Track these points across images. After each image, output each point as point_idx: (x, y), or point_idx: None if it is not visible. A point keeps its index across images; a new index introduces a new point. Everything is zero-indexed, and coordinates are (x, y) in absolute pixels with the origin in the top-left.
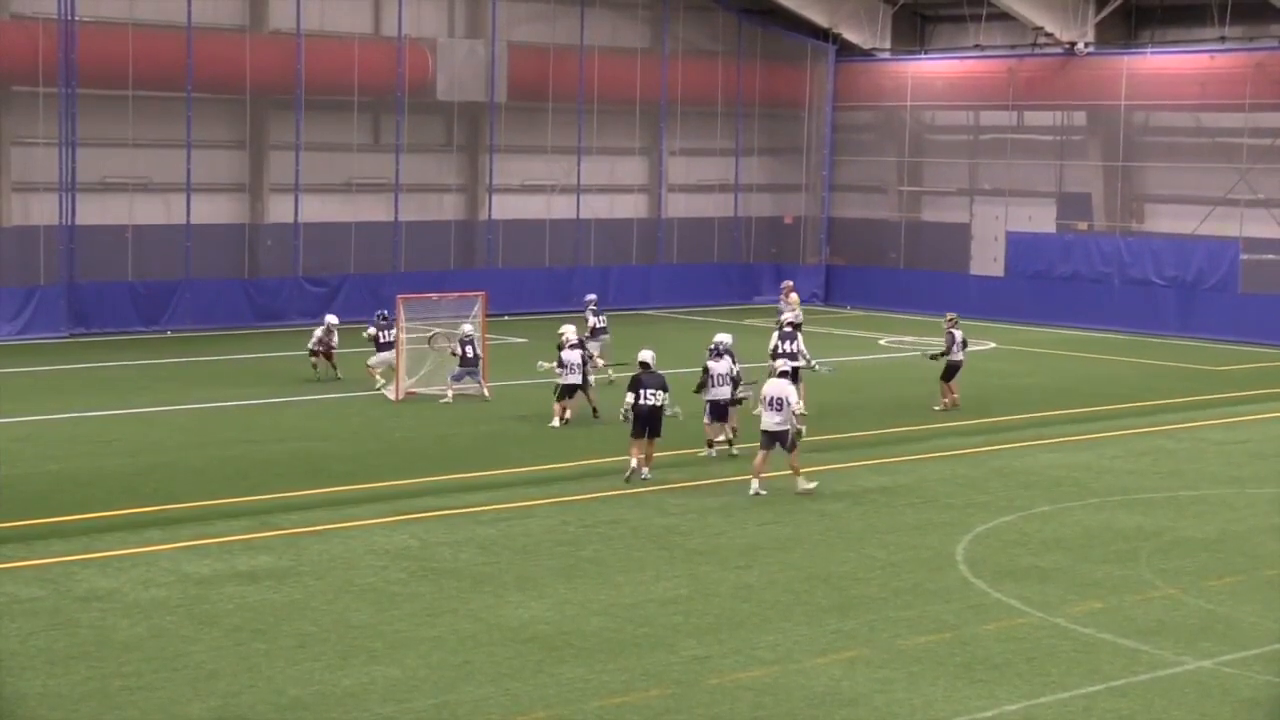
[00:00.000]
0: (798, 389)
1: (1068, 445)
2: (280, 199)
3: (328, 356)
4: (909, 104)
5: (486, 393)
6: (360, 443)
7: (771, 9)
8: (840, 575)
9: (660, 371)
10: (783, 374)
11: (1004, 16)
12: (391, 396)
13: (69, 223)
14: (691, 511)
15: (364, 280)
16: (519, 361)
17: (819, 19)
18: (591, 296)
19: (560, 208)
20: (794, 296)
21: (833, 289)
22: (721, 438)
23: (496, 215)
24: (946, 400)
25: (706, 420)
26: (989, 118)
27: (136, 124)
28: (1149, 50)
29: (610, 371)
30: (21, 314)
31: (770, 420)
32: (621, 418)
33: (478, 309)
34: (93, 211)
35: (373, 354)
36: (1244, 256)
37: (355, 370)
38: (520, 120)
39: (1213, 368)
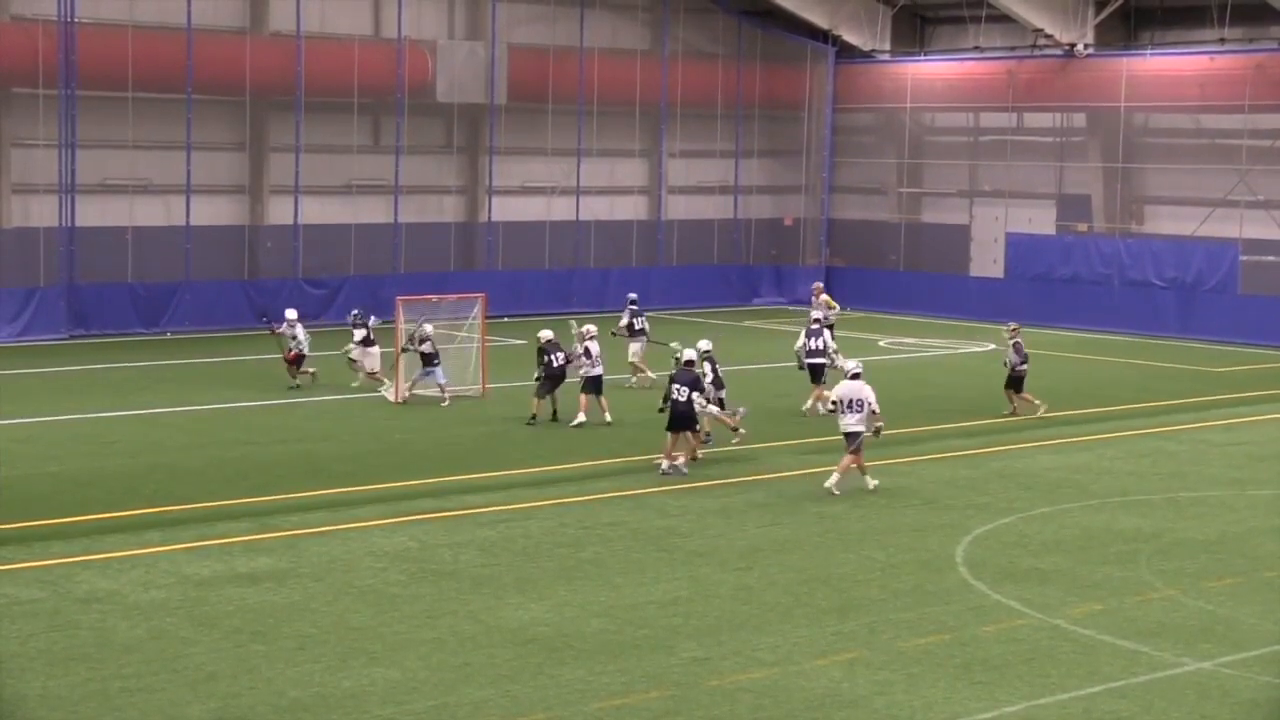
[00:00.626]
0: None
1: (1068, 447)
2: (280, 200)
3: (297, 362)
4: (909, 106)
5: (446, 397)
6: (360, 444)
7: (771, 11)
8: (840, 577)
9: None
10: (854, 375)
11: (1004, 18)
12: (392, 398)
13: (69, 224)
14: (691, 513)
15: (364, 282)
16: (519, 363)
17: (819, 21)
18: (632, 296)
19: (560, 209)
20: (824, 296)
21: (832, 290)
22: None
23: (496, 217)
24: (1017, 406)
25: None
26: (989, 119)
27: (136, 126)
28: (1149, 52)
29: (652, 375)
30: (21, 315)
31: (849, 421)
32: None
33: (477, 311)
34: (93, 213)
35: (364, 353)
36: (1243, 258)
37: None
38: (520, 122)
39: (1212, 369)
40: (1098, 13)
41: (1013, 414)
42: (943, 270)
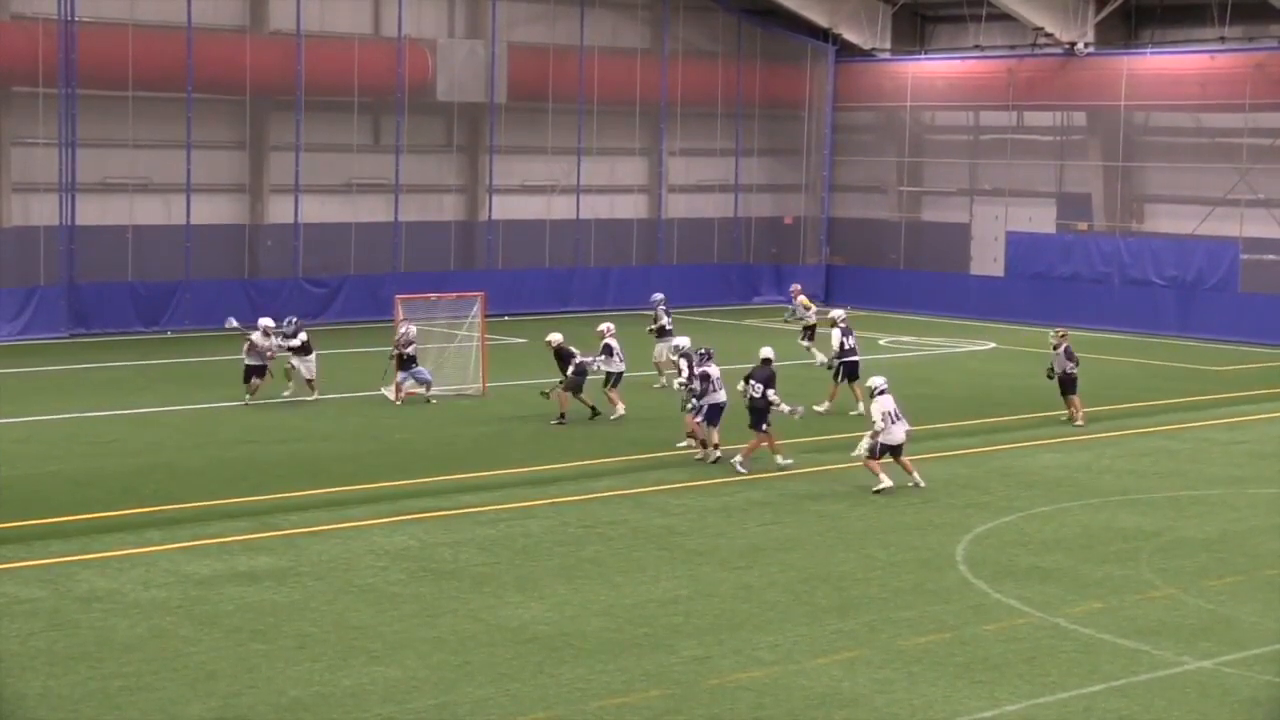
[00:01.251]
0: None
1: (1068, 445)
2: (280, 199)
3: (260, 374)
4: (909, 104)
5: (431, 395)
6: (360, 443)
7: (771, 9)
8: (840, 576)
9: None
10: (884, 391)
11: (1004, 17)
12: (392, 397)
13: (69, 223)
14: (692, 512)
15: (364, 281)
16: (519, 363)
17: (819, 19)
18: (659, 296)
19: (560, 208)
20: (802, 298)
21: (833, 289)
22: (716, 440)
23: (496, 216)
24: (1074, 411)
25: (700, 421)
26: (989, 118)
27: (137, 125)
28: (1149, 50)
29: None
30: (22, 314)
31: (899, 433)
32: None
33: (477, 310)
34: (93, 212)
35: (301, 361)
36: (1244, 256)
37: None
38: (520, 121)
39: (1213, 368)
40: (1098, 11)
41: (1071, 419)
42: (943, 269)
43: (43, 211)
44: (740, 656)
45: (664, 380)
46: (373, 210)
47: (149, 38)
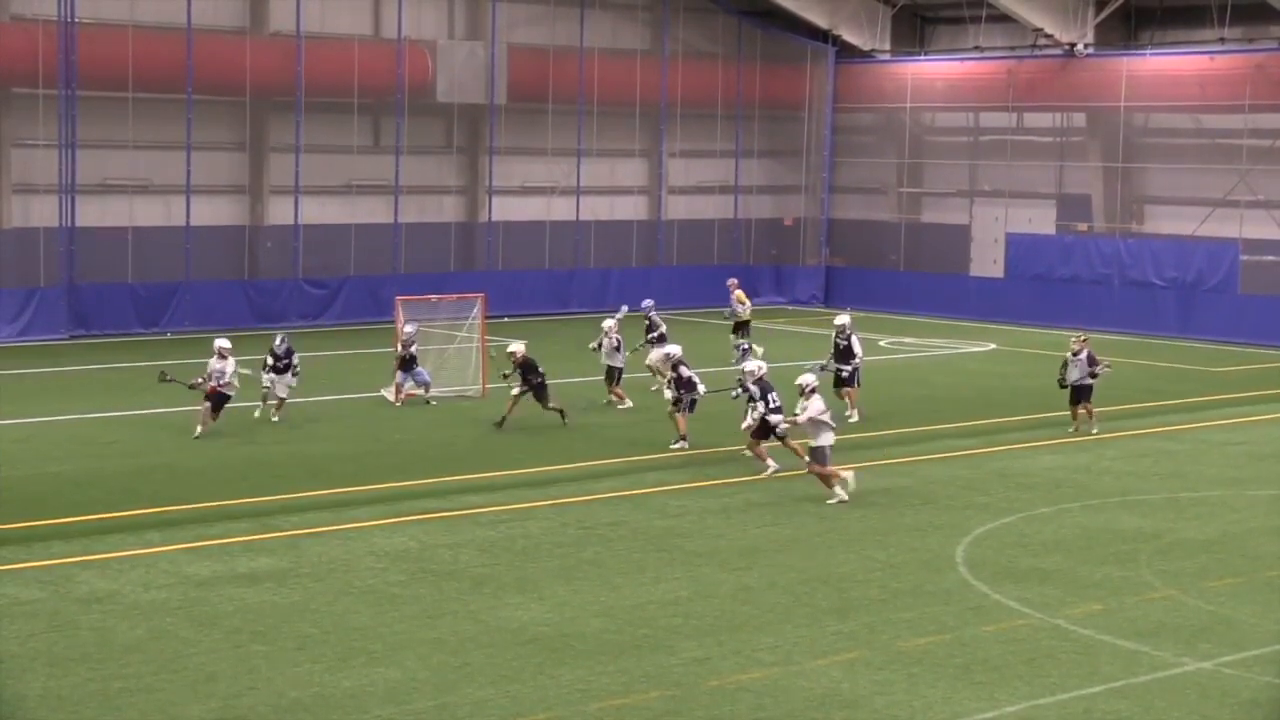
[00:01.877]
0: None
1: (1067, 447)
2: (280, 201)
3: (219, 403)
4: (909, 105)
5: (431, 397)
6: (360, 444)
7: (771, 10)
8: (840, 577)
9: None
10: (814, 390)
11: (1004, 18)
12: (392, 398)
13: (69, 224)
14: (691, 513)
15: (364, 282)
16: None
17: (819, 20)
18: (649, 302)
19: (560, 210)
20: (739, 292)
21: (832, 290)
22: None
23: (496, 217)
24: (1083, 418)
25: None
26: (989, 119)
27: (137, 126)
28: (1148, 51)
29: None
30: (22, 315)
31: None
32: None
33: (477, 311)
34: (93, 213)
35: (276, 380)
36: (1244, 258)
37: (336, 374)
38: (520, 122)
39: (1212, 369)
40: (1098, 12)
41: (1075, 429)
42: (943, 270)
43: (43, 213)
44: (740, 658)
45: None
46: (373, 211)
47: (149, 39)
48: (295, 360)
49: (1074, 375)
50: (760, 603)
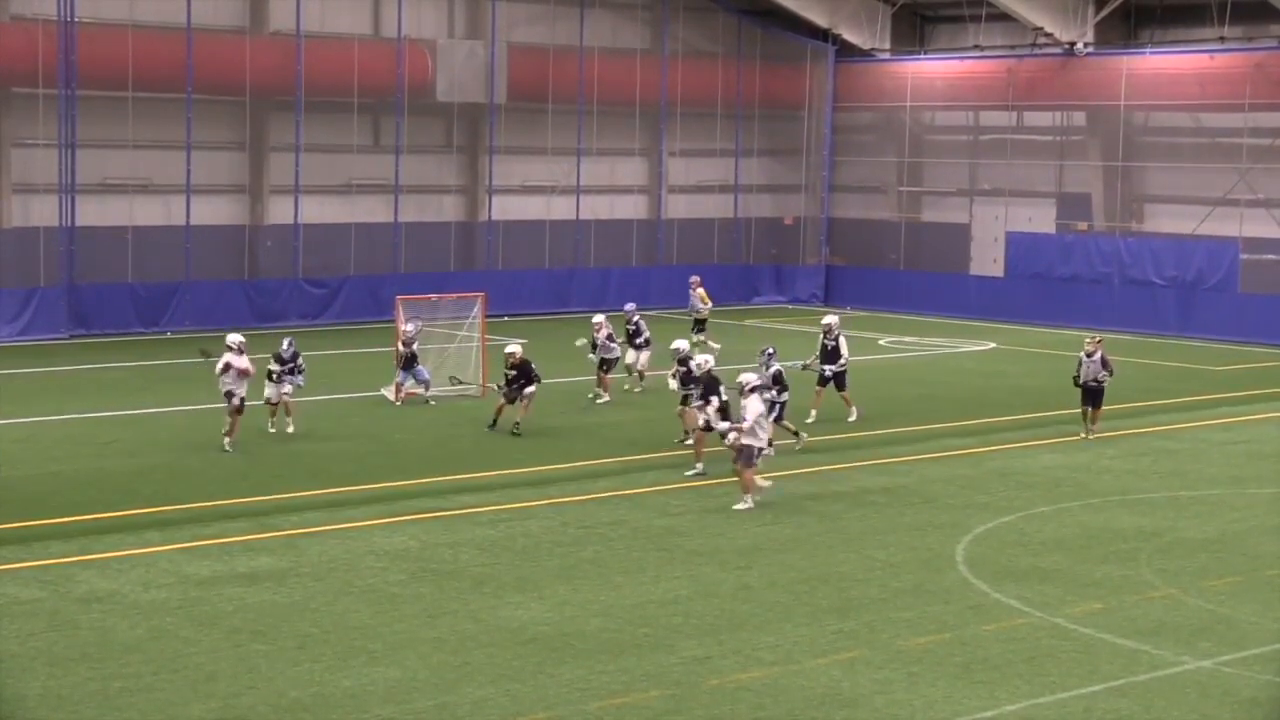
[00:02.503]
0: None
1: (1067, 446)
2: (280, 200)
3: (239, 409)
4: (908, 104)
5: (430, 396)
6: (360, 444)
7: (771, 9)
8: (840, 576)
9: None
10: (755, 388)
11: (1003, 17)
12: (392, 398)
13: (69, 224)
14: (691, 512)
15: (364, 281)
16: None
17: (819, 19)
18: (632, 305)
19: (560, 209)
20: (700, 290)
21: (832, 290)
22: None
23: (496, 216)
24: (1091, 425)
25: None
26: (988, 118)
27: (136, 125)
28: (1148, 50)
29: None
30: (22, 315)
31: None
32: None
33: (477, 310)
34: (93, 213)
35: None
36: (1243, 256)
37: (334, 374)
38: (520, 121)
39: (1212, 368)
40: (1097, 11)
41: (1088, 435)
42: (943, 269)
43: (43, 212)
44: (740, 657)
45: (642, 385)
46: (372, 211)
47: (149, 38)
48: (301, 362)
49: (1085, 375)
50: (760, 602)
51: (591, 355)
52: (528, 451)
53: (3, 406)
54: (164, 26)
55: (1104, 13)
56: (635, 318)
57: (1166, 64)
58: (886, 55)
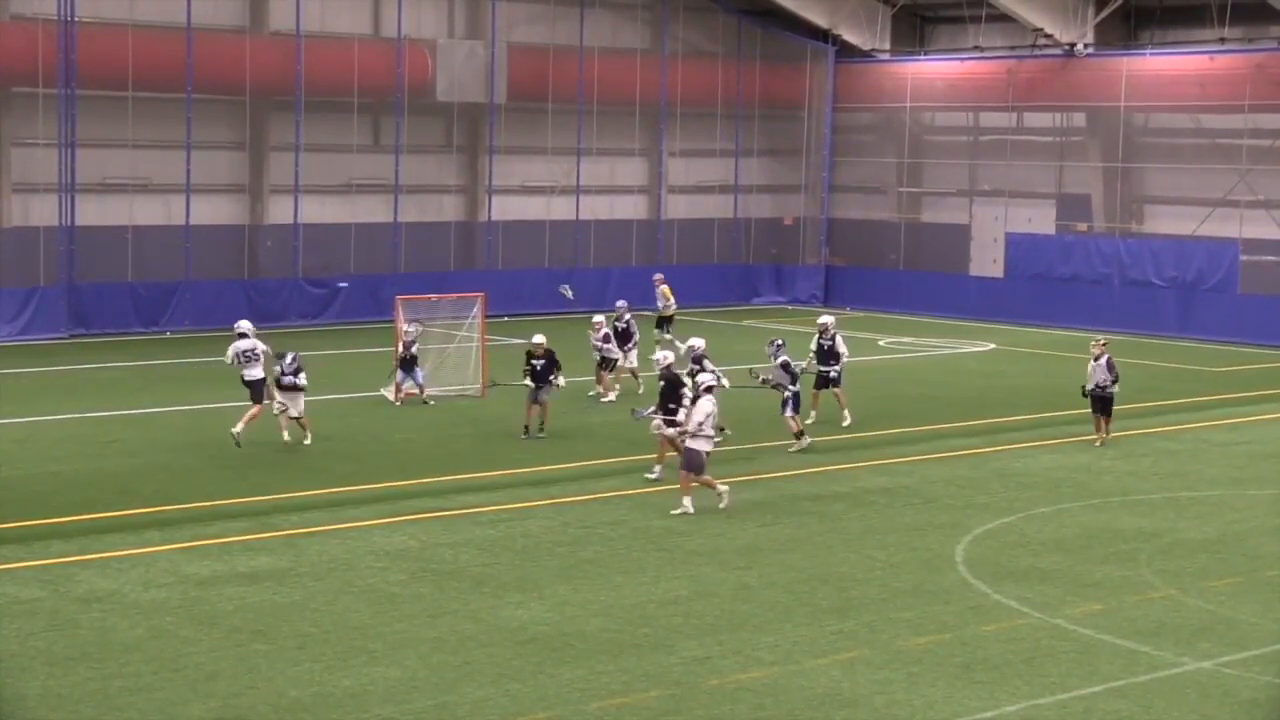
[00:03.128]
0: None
1: (1068, 446)
2: (280, 200)
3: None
4: (908, 105)
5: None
6: (360, 444)
7: (771, 10)
8: (840, 576)
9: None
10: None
11: (1003, 17)
12: (391, 398)
13: (69, 224)
14: (691, 512)
15: (364, 281)
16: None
17: (818, 20)
18: (623, 303)
19: (560, 209)
20: (664, 288)
21: (832, 290)
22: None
23: (496, 216)
24: (1101, 433)
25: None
26: (988, 119)
27: (136, 125)
28: (1148, 51)
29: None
30: (21, 315)
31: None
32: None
33: (477, 310)
34: (92, 212)
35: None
36: (1243, 257)
37: (334, 374)
38: (520, 121)
39: (1213, 368)
40: (1098, 12)
41: (1101, 442)
42: (942, 270)
43: (43, 212)
44: (740, 657)
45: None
46: (372, 211)
47: (149, 38)
48: (303, 379)
49: (1092, 381)
50: (760, 602)
51: (570, 295)
52: (528, 451)
53: (2, 406)
54: (164, 26)
55: (1104, 14)
56: (627, 316)
57: (1166, 65)
58: (886, 56)
